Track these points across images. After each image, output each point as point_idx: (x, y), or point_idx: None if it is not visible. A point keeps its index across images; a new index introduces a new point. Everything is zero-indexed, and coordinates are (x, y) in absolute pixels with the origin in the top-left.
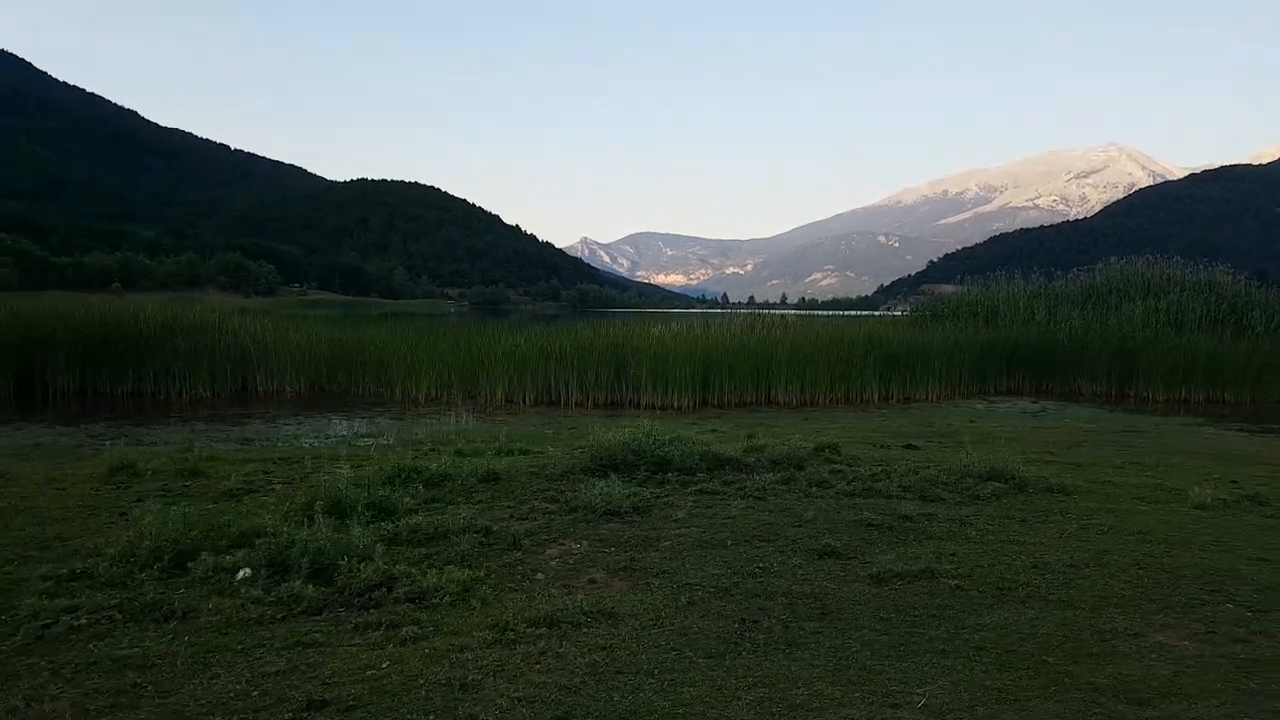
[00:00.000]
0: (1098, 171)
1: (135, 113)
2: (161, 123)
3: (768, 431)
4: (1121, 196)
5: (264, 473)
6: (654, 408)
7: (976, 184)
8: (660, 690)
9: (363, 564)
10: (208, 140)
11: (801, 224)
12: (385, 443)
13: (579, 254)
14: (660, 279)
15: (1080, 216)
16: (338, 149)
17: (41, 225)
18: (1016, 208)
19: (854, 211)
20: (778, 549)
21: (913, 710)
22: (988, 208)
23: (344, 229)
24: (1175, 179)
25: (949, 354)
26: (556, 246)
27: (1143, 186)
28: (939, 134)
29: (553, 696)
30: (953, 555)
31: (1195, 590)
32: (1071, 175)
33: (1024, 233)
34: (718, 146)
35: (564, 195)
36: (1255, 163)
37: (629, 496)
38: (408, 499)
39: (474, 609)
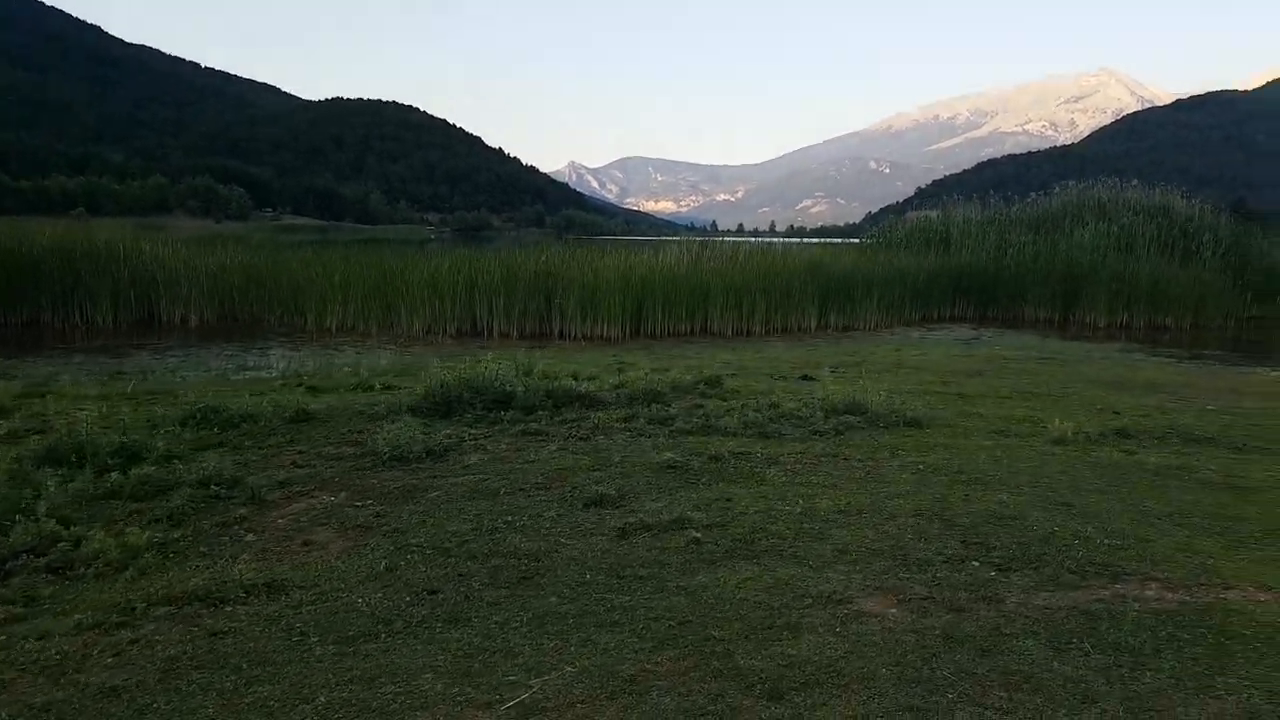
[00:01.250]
0: (1087, 96)
1: (99, 28)
2: (127, 39)
3: (677, 363)
4: (1110, 122)
5: (78, 410)
6: (583, 339)
7: (968, 109)
8: (224, 695)
9: (27, 524)
10: (176, 58)
11: (791, 150)
12: (267, 376)
13: (566, 179)
14: (650, 205)
15: (1069, 142)
16: (312, 66)
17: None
18: (1006, 133)
19: (845, 136)
20: (551, 498)
21: (505, 708)
22: (978, 132)
23: (318, 149)
24: (1162, 105)
25: (891, 282)
26: (542, 171)
27: (1130, 112)
28: (932, 57)
29: (67, 701)
30: (726, 501)
31: (955, 543)
32: (1062, 100)
33: (1012, 158)
34: (709, 67)
35: (551, 117)
36: (1242, 88)
37: (424, 440)
38: (161, 444)
39: (118, 582)
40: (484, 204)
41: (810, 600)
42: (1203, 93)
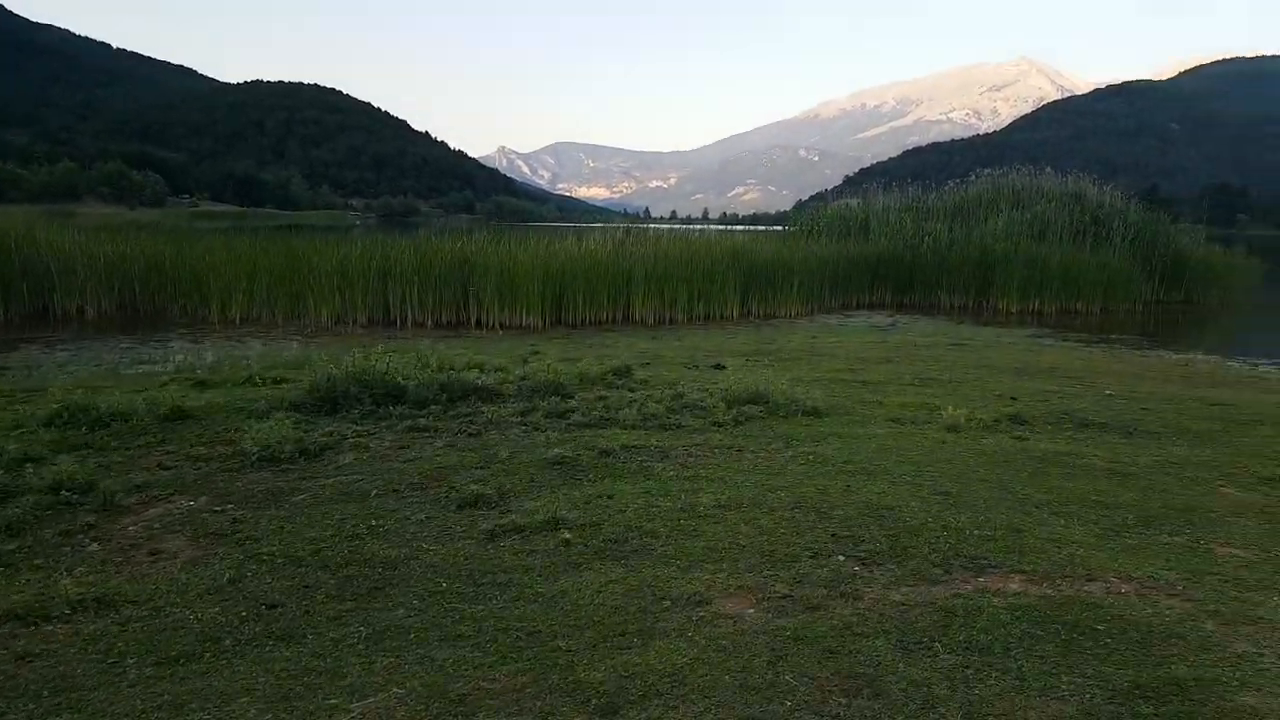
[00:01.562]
0: (1009, 85)
1: (1, 5)
2: (33, 18)
3: (593, 352)
4: (1030, 110)
5: None
6: (501, 328)
7: (893, 97)
8: None
9: None
10: (87, 38)
11: (724, 136)
12: (159, 370)
13: (496, 164)
14: (582, 192)
15: (991, 129)
16: (230, 49)
17: None
18: (931, 121)
19: (776, 124)
20: (424, 499)
21: None
22: (903, 121)
23: (238, 135)
24: (1081, 94)
25: (811, 269)
26: (471, 156)
27: (1050, 101)
28: (858, 45)
29: None
30: (608, 499)
31: (825, 536)
32: (984, 89)
33: (936, 146)
34: (641, 52)
35: (480, 101)
36: (1156, 78)
37: (299, 439)
38: (14, 446)
39: None
40: (411, 189)
41: (669, 603)
42: (1119, 82)
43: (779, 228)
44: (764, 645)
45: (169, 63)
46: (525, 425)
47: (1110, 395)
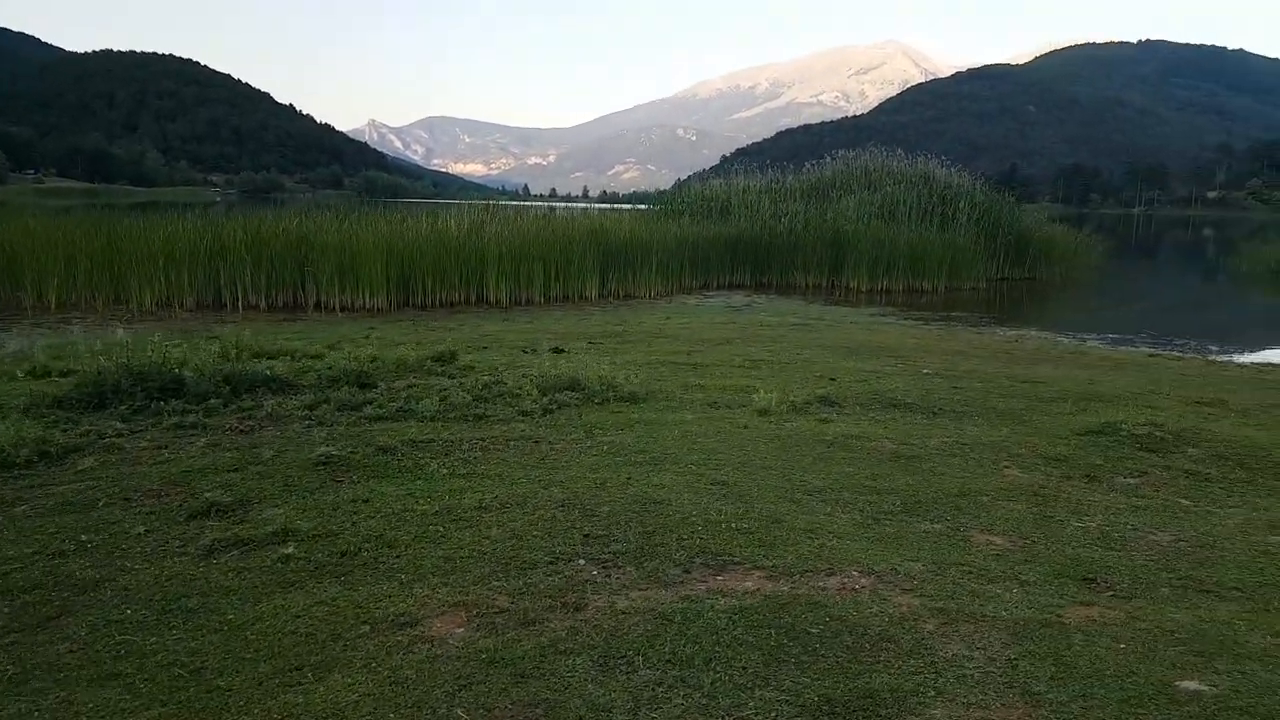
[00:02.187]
0: (876, 68)
1: None
2: None
3: (432, 335)
4: (896, 93)
5: None
6: (342, 310)
7: (767, 79)
8: None
9: None
10: None
11: (603, 114)
12: None
13: (366, 138)
14: (458, 168)
15: (859, 112)
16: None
17: None
18: (802, 103)
19: (654, 103)
20: (154, 509)
21: None
22: (776, 103)
23: (86, 107)
24: (944, 77)
25: (670, 249)
26: (339, 130)
27: (915, 84)
28: (731, 26)
29: None
30: (363, 503)
31: (578, 537)
32: (853, 71)
33: (806, 129)
34: (516, 26)
35: (348, 73)
36: (1015, 62)
37: (40, 441)
38: None
39: None
40: (275, 164)
41: (369, 627)
42: (980, 66)
43: (650, 206)
44: (452, 673)
45: (8, 29)
46: (310, 420)
47: (928, 374)
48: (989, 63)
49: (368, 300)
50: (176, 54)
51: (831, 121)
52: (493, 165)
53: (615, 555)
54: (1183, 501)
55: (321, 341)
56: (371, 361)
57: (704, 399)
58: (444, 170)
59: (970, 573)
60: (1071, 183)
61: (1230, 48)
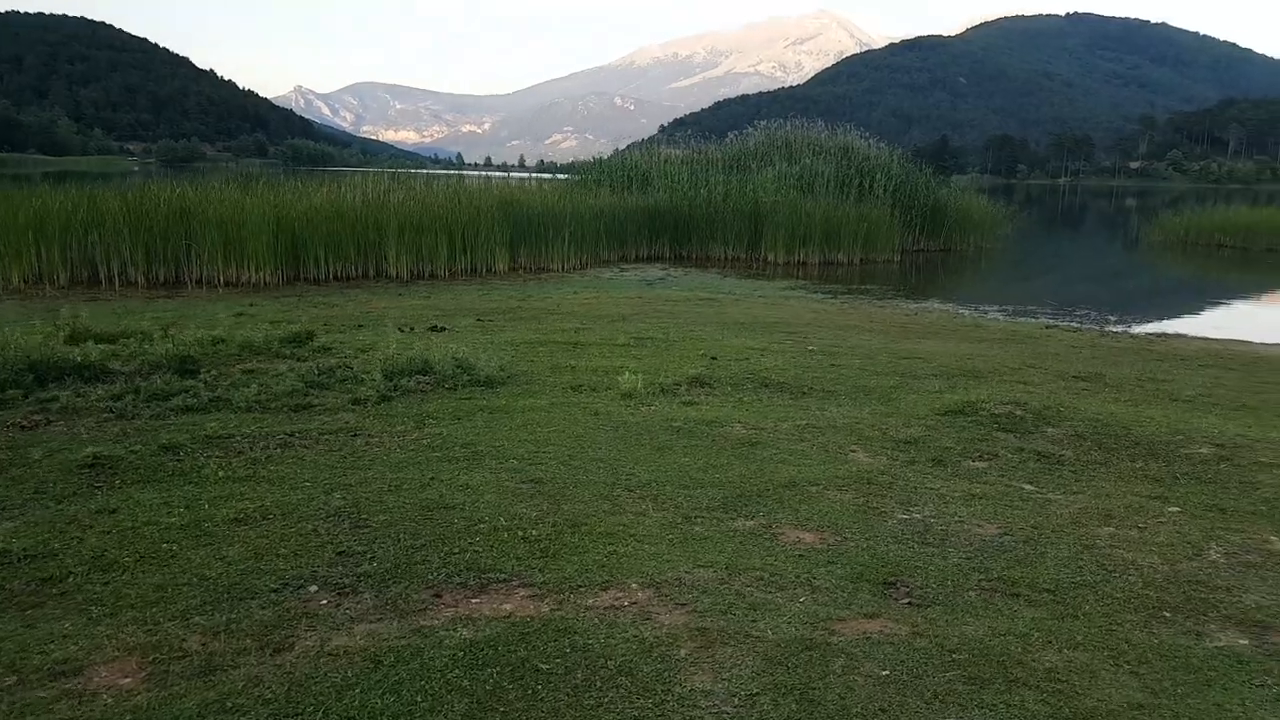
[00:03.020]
0: (812, 39)
1: None
2: None
3: (309, 313)
4: (832, 64)
5: None
6: (227, 285)
7: (704, 48)
8: None
9: None
10: None
11: (540, 81)
12: None
13: (292, 105)
14: (390, 135)
15: (796, 83)
16: None
17: None
18: (740, 73)
19: (591, 70)
20: None
21: None
22: (715, 72)
23: None
24: (878, 48)
25: (585, 221)
26: (263, 96)
27: (849, 55)
28: None
29: None
30: (107, 515)
31: (328, 557)
32: (789, 42)
33: (744, 99)
34: None
35: (271, 37)
36: (948, 34)
37: None
38: None
39: None
40: (195, 132)
41: (18, 677)
42: (913, 37)
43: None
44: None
45: None
46: (110, 413)
47: (812, 351)
48: (922, 34)
49: (253, 275)
50: (90, 16)
51: (768, 92)
52: (425, 133)
53: (360, 578)
54: (1026, 487)
55: (188, 318)
56: (215, 344)
57: (569, 382)
58: (374, 138)
59: (761, 579)
60: (1000, 154)
61: (1153, 21)
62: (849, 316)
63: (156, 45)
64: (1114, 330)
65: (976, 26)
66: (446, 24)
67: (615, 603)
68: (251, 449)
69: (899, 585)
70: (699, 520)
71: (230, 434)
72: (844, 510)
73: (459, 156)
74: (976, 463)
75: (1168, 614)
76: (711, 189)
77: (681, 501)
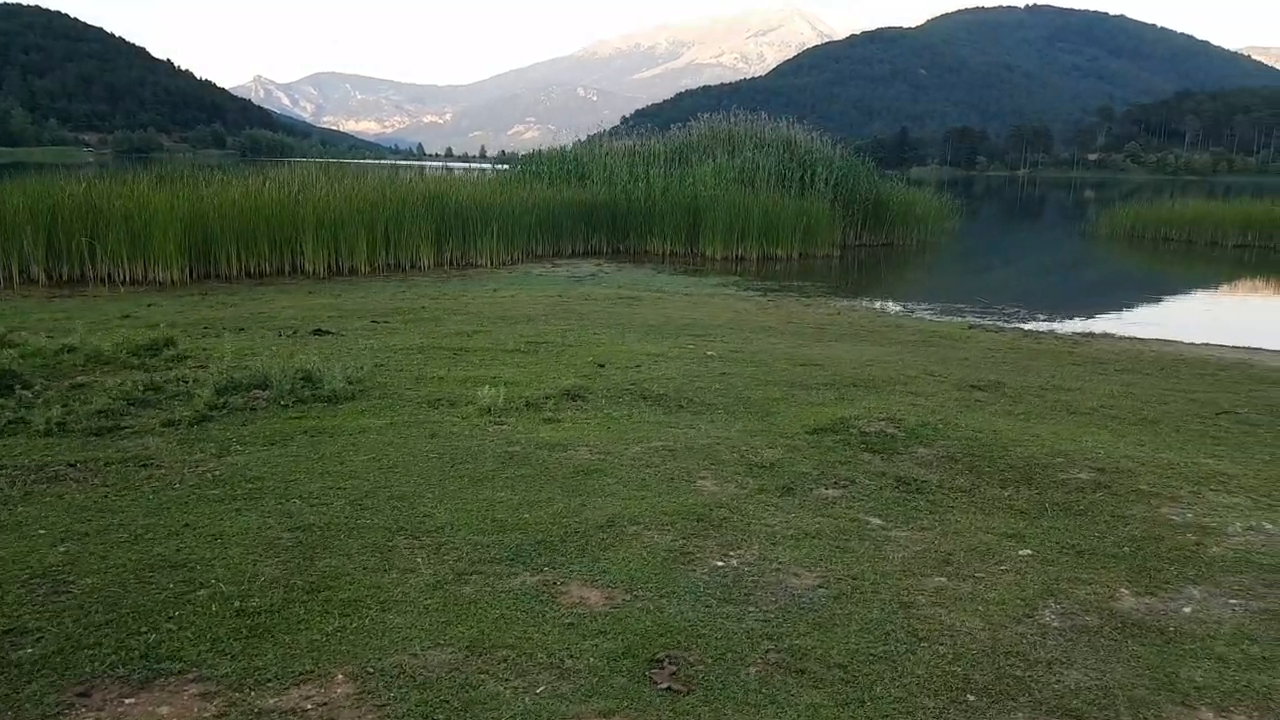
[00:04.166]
0: (774, 30)
1: None
2: None
3: (214, 314)
4: (794, 55)
5: None
6: (133, 283)
7: (666, 39)
8: None
9: None
10: None
11: (501, 72)
12: None
13: (251, 94)
14: (350, 126)
15: (758, 74)
16: None
17: None
18: (703, 64)
19: (553, 61)
20: None
21: None
22: (677, 63)
23: None
24: (839, 40)
25: (515, 215)
26: (221, 86)
27: (811, 46)
28: None
29: None
30: None
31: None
32: (751, 33)
33: (706, 90)
34: None
35: (230, 26)
36: (908, 25)
37: None
38: None
39: None
40: (152, 123)
41: None
42: (874, 29)
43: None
44: None
45: None
46: None
47: (710, 356)
48: (883, 25)
49: (160, 273)
50: (43, 5)
51: (730, 84)
52: (386, 123)
53: (2, 667)
54: (872, 522)
55: (79, 322)
56: (60, 354)
57: (428, 396)
58: (335, 128)
59: (505, 661)
60: (959, 146)
61: (1112, 13)
62: (768, 316)
63: (113, 35)
64: (1039, 330)
65: (937, 18)
66: (408, 12)
67: (298, 704)
68: (10, 485)
69: (667, 663)
70: (474, 577)
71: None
72: (651, 558)
73: (420, 147)
74: (829, 490)
75: (971, 697)
76: (650, 182)
77: (466, 551)
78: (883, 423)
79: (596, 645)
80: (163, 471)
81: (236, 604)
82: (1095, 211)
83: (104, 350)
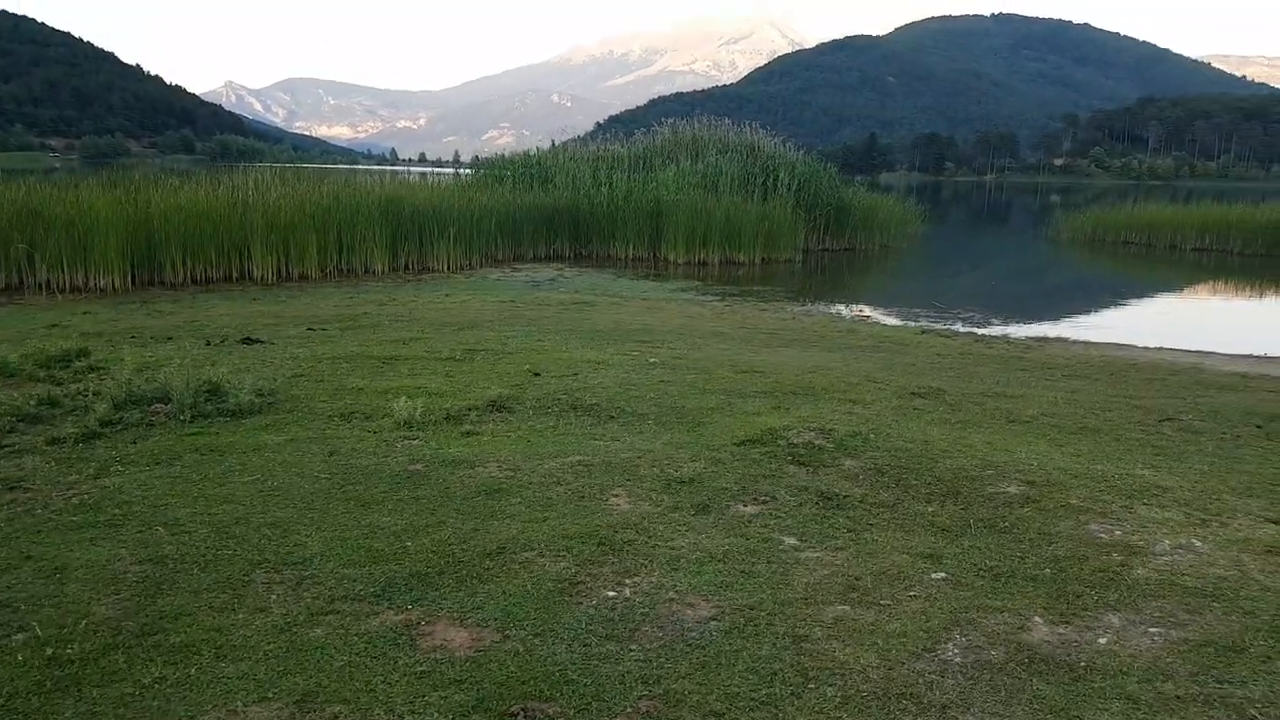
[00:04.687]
0: (745, 38)
1: None
2: None
3: (150, 322)
4: (765, 63)
5: None
6: (74, 290)
7: (640, 46)
8: None
9: None
10: None
11: (474, 78)
12: None
13: (223, 100)
14: (323, 131)
15: (731, 81)
16: None
17: None
18: (675, 71)
19: (527, 67)
20: None
21: None
22: (650, 70)
23: None
24: (809, 48)
25: (474, 220)
26: (192, 92)
27: (782, 54)
28: None
29: None
30: None
31: None
32: (723, 41)
33: (679, 96)
34: None
35: (201, 32)
36: (877, 34)
37: None
38: None
39: None
40: (120, 128)
41: None
42: (843, 37)
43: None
44: None
45: None
46: None
47: (653, 363)
48: (852, 34)
49: (102, 279)
50: (8, 9)
51: (703, 90)
52: (359, 128)
53: None
54: (786, 541)
55: (5, 331)
56: None
57: (342, 409)
58: (307, 133)
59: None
60: (927, 151)
61: (1075, 21)
62: (722, 321)
63: (81, 39)
64: (992, 335)
65: (904, 27)
66: (381, 17)
67: None
68: None
69: (521, 717)
70: (329, 617)
71: None
72: (536, 590)
73: (393, 152)
74: (747, 507)
75: None
76: (614, 187)
77: (329, 586)
78: (813, 433)
79: (445, 698)
80: (29, 495)
81: (50, 651)
82: (1060, 216)
83: (10, 362)
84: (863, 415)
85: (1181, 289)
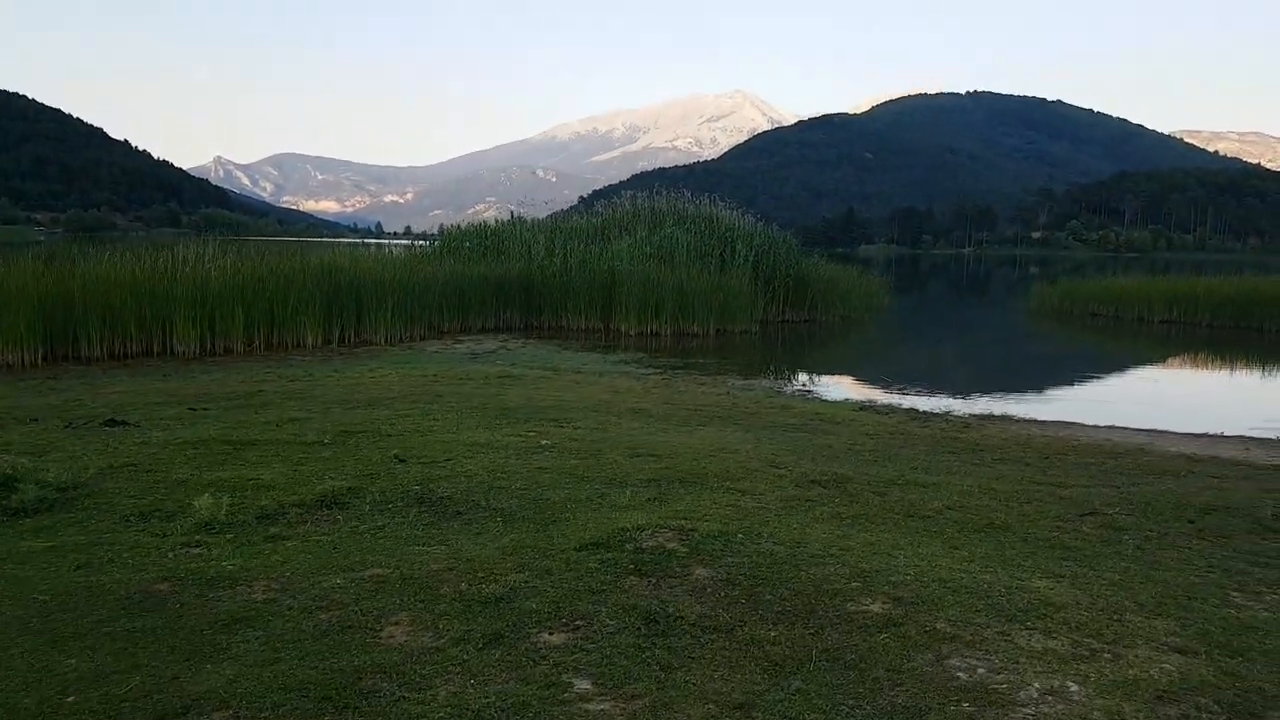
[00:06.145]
0: (726, 116)
1: None
2: None
3: (22, 400)
4: (744, 140)
5: None
6: None
7: (623, 123)
8: None
9: None
10: None
11: (461, 154)
12: None
13: (211, 174)
14: (311, 205)
15: (712, 157)
16: None
17: None
18: (658, 148)
19: (514, 143)
20: None
21: None
22: (634, 147)
23: None
24: (788, 125)
25: (415, 291)
26: (180, 166)
27: (761, 131)
28: (589, 73)
29: None
30: None
31: None
32: (704, 119)
33: (661, 172)
34: (371, 65)
35: (192, 108)
36: (853, 111)
37: None
38: None
39: None
40: (106, 202)
41: None
42: (821, 115)
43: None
44: None
45: None
46: None
47: (544, 446)
48: (829, 111)
49: (9, 355)
50: (2, 87)
51: (684, 166)
52: (347, 203)
53: None
54: (576, 687)
55: None
56: None
57: (146, 506)
58: (295, 208)
59: None
60: (905, 225)
61: (1049, 99)
62: (649, 397)
63: (70, 115)
64: (934, 412)
65: (881, 104)
66: (370, 98)
67: None
68: None
69: None
70: None
71: None
72: None
73: (379, 225)
74: (554, 635)
75: None
76: (566, 257)
77: None
78: (671, 533)
79: None
80: None
81: None
82: (1035, 287)
83: None
84: (744, 509)
85: (1145, 362)
